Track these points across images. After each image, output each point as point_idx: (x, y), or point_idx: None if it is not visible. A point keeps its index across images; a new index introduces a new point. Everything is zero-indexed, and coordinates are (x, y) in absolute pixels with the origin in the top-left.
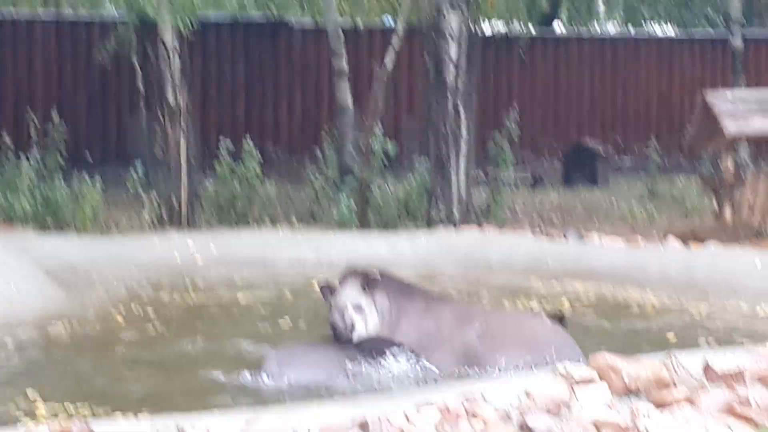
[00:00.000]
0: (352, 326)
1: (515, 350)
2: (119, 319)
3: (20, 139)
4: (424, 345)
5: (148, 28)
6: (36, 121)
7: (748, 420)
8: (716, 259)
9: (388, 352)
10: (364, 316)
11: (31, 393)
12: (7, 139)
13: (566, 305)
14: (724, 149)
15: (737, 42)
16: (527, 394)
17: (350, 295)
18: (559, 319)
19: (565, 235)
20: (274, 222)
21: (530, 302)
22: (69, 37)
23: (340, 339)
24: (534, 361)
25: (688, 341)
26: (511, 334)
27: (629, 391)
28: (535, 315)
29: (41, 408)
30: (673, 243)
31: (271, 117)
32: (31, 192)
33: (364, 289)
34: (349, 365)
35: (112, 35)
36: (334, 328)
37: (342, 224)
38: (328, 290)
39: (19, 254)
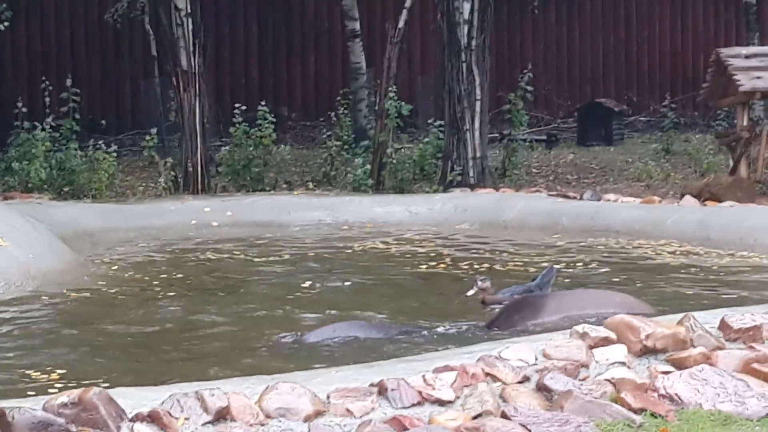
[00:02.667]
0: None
1: None
2: (137, 285)
3: (35, 107)
4: None
5: None
6: (50, 88)
7: (766, 377)
8: (732, 215)
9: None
10: None
11: (49, 362)
12: (23, 108)
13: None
14: (738, 105)
15: None
16: (545, 355)
17: None
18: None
19: (581, 195)
20: (289, 186)
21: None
22: (81, 2)
23: None
24: None
25: (705, 299)
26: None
27: (647, 351)
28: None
29: (57, 377)
30: (689, 200)
31: (285, 80)
32: (47, 160)
33: None
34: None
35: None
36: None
37: (357, 187)
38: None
39: (35, 222)
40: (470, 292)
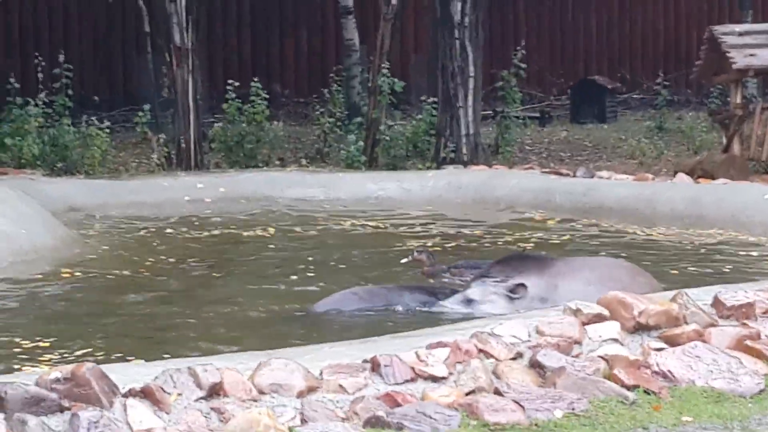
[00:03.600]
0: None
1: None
2: (130, 260)
3: (27, 83)
4: None
5: None
6: (43, 64)
7: (759, 354)
8: (725, 193)
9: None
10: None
11: (42, 336)
12: (15, 84)
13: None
14: (732, 83)
15: None
16: (538, 332)
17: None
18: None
19: (574, 172)
20: (282, 162)
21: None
22: None
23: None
24: None
25: (698, 276)
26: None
27: (640, 328)
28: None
29: (50, 352)
30: (682, 178)
31: (278, 56)
32: (40, 136)
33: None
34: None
35: None
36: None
37: (350, 164)
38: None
39: (28, 197)
40: (404, 260)
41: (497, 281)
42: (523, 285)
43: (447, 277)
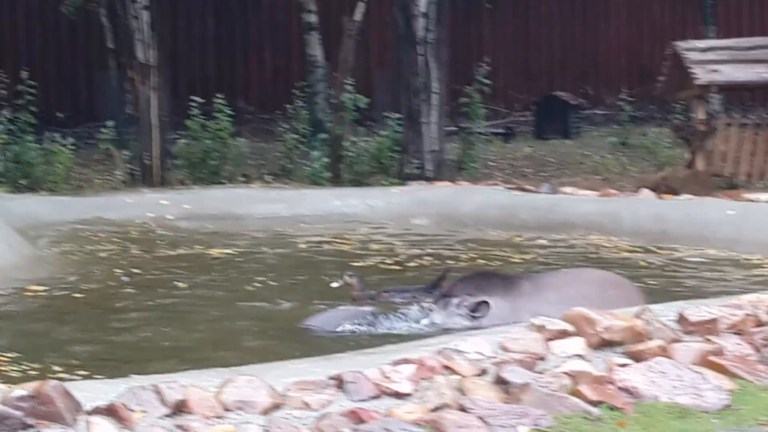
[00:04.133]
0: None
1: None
2: (95, 278)
3: None
4: None
5: None
6: (6, 80)
7: (723, 370)
8: (689, 208)
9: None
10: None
11: (7, 355)
12: None
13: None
14: (695, 99)
15: None
16: (503, 348)
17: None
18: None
19: (538, 188)
20: (246, 178)
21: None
22: None
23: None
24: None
25: (662, 292)
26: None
27: (605, 344)
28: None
29: (15, 369)
30: (646, 193)
31: (242, 73)
32: (3, 152)
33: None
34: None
35: None
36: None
37: (315, 180)
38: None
39: None
40: (334, 284)
41: (459, 302)
42: (485, 302)
43: (377, 302)
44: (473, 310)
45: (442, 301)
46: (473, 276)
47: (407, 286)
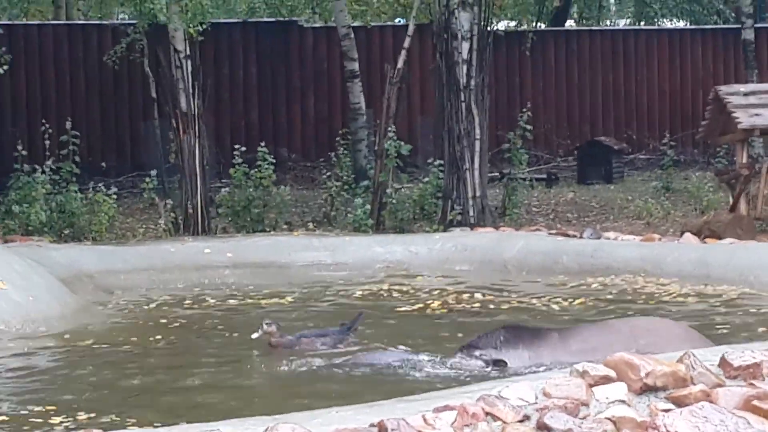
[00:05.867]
0: None
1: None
2: (139, 329)
3: (34, 149)
4: None
5: (159, 33)
6: (50, 131)
7: (766, 414)
8: (732, 253)
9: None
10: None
11: (49, 405)
12: (23, 151)
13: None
14: (738, 143)
15: (749, 34)
16: (545, 394)
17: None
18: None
19: (581, 233)
20: (289, 226)
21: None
22: (81, 43)
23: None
24: None
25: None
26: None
27: (647, 389)
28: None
29: (59, 422)
30: (689, 238)
31: (285, 121)
32: (47, 202)
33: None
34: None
35: (123, 41)
36: None
37: (357, 227)
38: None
39: (35, 265)
40: (255, 335)
41: (480, 354)
42: (503, 362)
43: (298, 347)
44: (494, 363)
45: (467, 350)
46: (502, 329)
47: (324, 329)
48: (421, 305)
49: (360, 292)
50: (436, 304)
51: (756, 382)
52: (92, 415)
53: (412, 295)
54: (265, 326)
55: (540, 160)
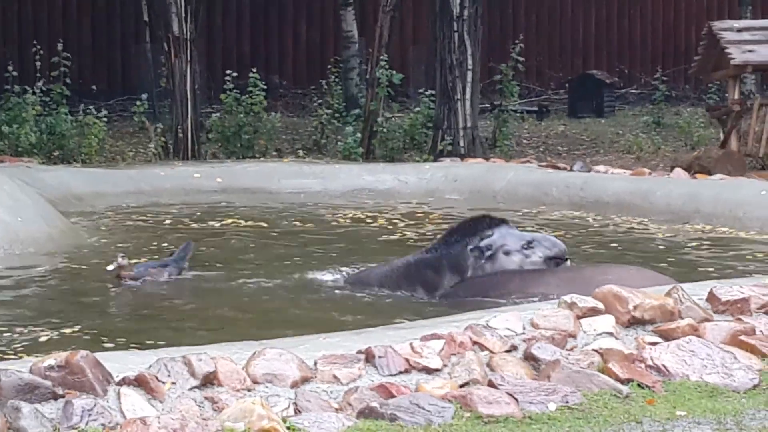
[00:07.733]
0: None
1: None
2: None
3: (25, 72)
4: None
5: None
6: (41, 53)
7: (753, 349)
8: (722, 188)
9: None
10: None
11: (38, 325)
12: (13, 72)
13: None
14: (730, 79)
15: None
16: (533, 325)
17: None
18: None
19: (570, 166)
20: (279, 153)
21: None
22: None
23: None
24: None
25: (693, 271)
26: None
27: (635, 322)
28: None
29: (46, 339)
30: (679, 173)
31: (277, 48)
32: (37, 124)
33: None
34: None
35: None
36: None
37: (347, 155)
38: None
39: (25, 186)
40: (109, 267)
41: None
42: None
43: (148, 277)
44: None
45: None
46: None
47: (163, 260)
48: (403, 233)
49: (343, 219)
50: (420, 231)
51: (743, 317)
52: (76, 328)
53: (398, 223)
54: (119, 259)
55: (531, 92)
